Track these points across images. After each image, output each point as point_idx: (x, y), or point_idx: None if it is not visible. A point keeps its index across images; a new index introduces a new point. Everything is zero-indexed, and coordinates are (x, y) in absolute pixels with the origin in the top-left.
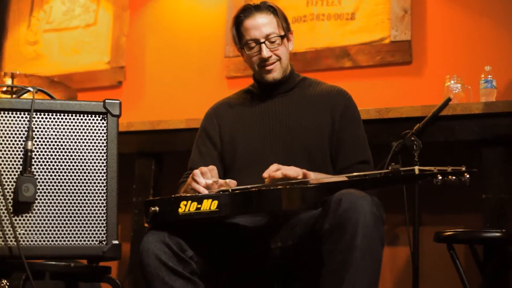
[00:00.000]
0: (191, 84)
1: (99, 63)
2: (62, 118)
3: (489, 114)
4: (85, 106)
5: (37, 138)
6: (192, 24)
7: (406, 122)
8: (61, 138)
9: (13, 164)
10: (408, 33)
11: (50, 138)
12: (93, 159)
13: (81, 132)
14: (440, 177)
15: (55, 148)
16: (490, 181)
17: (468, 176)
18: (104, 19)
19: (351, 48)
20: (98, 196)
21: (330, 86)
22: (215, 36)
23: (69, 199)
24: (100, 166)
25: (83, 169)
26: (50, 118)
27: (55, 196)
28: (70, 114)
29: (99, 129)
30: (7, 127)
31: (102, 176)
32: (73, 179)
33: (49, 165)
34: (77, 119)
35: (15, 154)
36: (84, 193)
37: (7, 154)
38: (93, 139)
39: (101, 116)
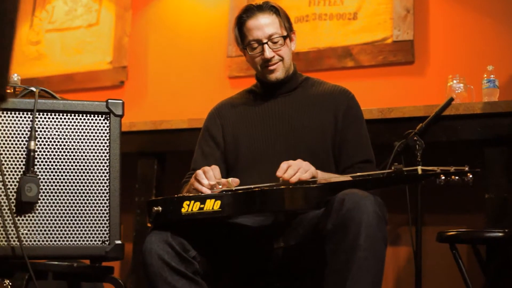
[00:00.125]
0: (194, 84)
1: (101, 63)
2: (65, 118)
3: (492, 114)
4: (87, 106)
5: (40, 138)
6: (194, 24)
7: (409, 122)
8: (64, 138)
9: (16, 164)
10: (411, 33)
11: (53, 138)
12: (95, 159)
13: (84, 132)
14: (443, 177)
15: (58, 148)
16: (493, 181)
17: (471, 176)
18: (106, 19)
19: (353, 48)
20: (101, 196)
21: (333, 85)
22: (217, 36)
23: (71, 199)
24: (103, 166)
25: (85, 169)
26: (53, 118)
27: (58, 196)
28: (72, 114)
29: (101, 129)
30: (10, 127)
31: (105, 176)
32: (75, 179)
33: (52, 165)
34: (80, 119)
35: (18, 154)
36: (87, 193)
37: (10, 154)
38: (95, 139)
39: (104, 116)
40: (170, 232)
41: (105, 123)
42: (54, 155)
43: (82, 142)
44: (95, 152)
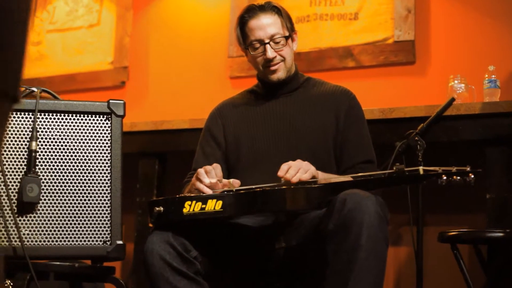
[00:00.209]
0: (195, 84)
1: (102, 63)
2: (66, 119)
3: (493, 114)
4: (89, 107)
5: (42, 138)
6: (195, 24)
7: (410, 122)
8: (66, 139)
9: (17, 165)
10: (412, 33)
11: (54, 139)
12: (97, 160)
13: (85, 133)
14: (444, 177)
15: (60, 149)
16: (494, 181)
17: (472, 176)
18: (108, 19)
19: (354, 48)
20: (102, 196)
21: (334, 86)
22: (218, 36)
23: (73, 200)
24: (104, 166)
25: (87, 169)
26: (54, 118)
27: (59, 196)
28: (74, 115)
29: (103, 130)
30: (12, 127)
31: (106, 176)
32: (77, 179)
33: (54, 165)
34: (82, 119)
35: (19, 155)
36: (88, 193)
37: (11, 154)
38: (97, 140)
39: (105, 116)
40: (171, 233)
41: (107, 123)
42: (56, 155)
43: (83, 143)
44: (97, 153)
